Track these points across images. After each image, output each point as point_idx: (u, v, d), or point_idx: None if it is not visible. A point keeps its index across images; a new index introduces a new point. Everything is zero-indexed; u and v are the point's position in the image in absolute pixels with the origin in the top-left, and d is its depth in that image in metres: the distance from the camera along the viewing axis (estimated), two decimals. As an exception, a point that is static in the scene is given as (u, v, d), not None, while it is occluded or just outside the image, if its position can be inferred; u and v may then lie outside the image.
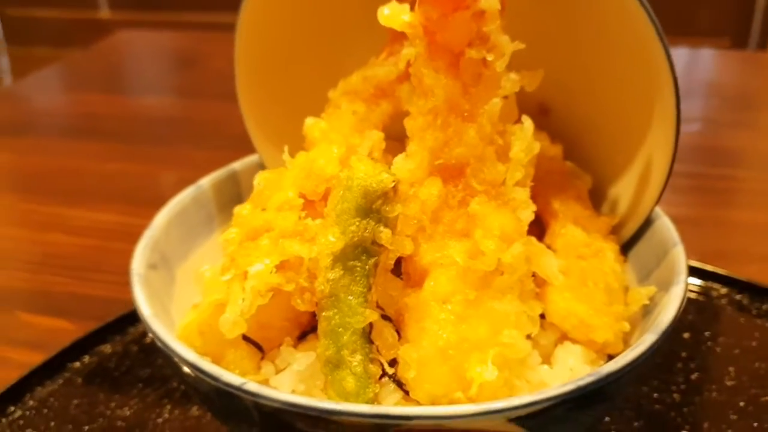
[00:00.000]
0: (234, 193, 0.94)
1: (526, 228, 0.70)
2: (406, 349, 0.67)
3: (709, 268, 1.12)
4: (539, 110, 0.88)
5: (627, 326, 0.73)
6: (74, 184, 1.64)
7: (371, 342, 0.68)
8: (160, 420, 0.96)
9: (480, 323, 0.67)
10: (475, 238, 0.69)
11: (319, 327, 0.69)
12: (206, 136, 1.88)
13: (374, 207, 0.68)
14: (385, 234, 0.68)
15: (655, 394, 0.94)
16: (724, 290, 1.10)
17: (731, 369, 0.97)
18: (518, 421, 0.60)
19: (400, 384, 0.68)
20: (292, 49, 0.91)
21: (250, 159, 0.98)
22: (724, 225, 1.34)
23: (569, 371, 0.71)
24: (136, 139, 1.89)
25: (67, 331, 1.15)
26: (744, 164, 1.61)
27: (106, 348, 1.08)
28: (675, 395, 0.94)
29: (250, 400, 0.62)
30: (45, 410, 0.97)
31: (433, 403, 0.66)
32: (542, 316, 0.74)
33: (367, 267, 0.68)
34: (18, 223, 1.51)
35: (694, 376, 0.96)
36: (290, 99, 0.93)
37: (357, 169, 0.68)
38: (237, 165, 0.97)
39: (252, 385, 0.61)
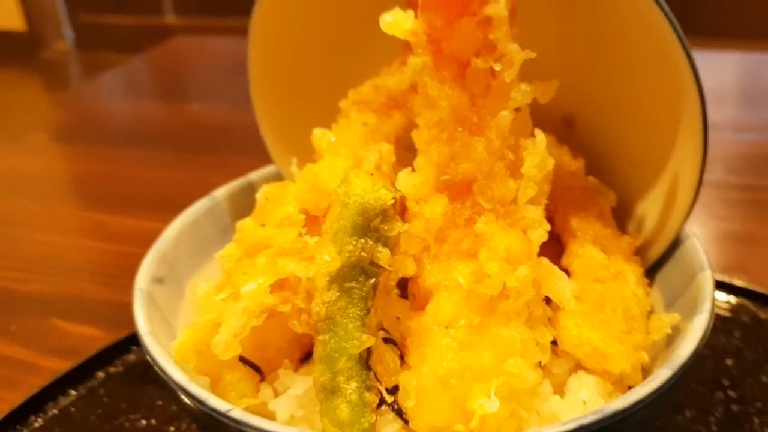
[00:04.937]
0: (250, 205, 0.91)
1: (537, 249, 0.66)
2: (405, 376, 0.64)
3: (758, 289, 1.04)
4: (564, 122, 0.84)
5: (646, 357, 0.68)
6: (119, 191, 1.66)
7: (369, 368, 0.65)
8: (178, 434, 0.95)
9: (484, 351, 0.63)
10: (480, 260, 0.65)
11: (314, 351, 0.66)
12: (256, 143, 1.88)
13: (372, 225, 0.65)
14: (383, 254, 0.65)
15: (692, 426, 0.88)
16: (774, 313, 1.02)
17: (778, 400, 0.90)
18: (514, 460, 0.56)
19: (400, 413, 0.65)
20: (308, 56, 0.89)
21: (268, 169, 0.96)
22: (780, 242, 1.25)
23: (582, 404, 0.66)
24: (185, 147, 1.90)
25: (98, 339, 1.15)
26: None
27: (131, 358, 1.08)
28: (713, 426, 0.87)
29: (235, 428, 0.59)
30: (65, 420, 0.97)
31: (433, 435, 0.62)
32: (557, 343, 0.69)
33: (365, 289, 0.65)
34: (59, 229, 1.54)
35: (735, 407, 0.90)
36: (306, 107, 0.90)
37: (354, 185, 0.65)
38: (253, 175, 0.95)
39: (237, 413, 0.59)
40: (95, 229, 1.52)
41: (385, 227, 0.65)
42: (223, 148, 1.87)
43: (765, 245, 1.25)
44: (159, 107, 2.19)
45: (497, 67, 0.65)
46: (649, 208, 0.78)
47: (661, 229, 0.76)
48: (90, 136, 2.01)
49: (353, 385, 0.64)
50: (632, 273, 0.73)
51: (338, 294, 0.65)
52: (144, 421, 0.97)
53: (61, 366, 1.05)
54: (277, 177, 0.94)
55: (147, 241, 1.45)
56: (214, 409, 0.60)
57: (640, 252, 0.77)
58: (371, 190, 0.65)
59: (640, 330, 0.69)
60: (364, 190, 0.65)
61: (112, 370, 1.06)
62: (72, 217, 1.63)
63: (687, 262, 0.73)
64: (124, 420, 0.98)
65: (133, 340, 1.09)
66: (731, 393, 0.91)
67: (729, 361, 0.96)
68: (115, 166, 1.80)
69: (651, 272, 0.78)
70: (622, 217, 0.80)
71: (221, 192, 0.92)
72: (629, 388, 0.69)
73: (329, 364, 0.64)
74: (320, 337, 0.65)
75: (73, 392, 1.02)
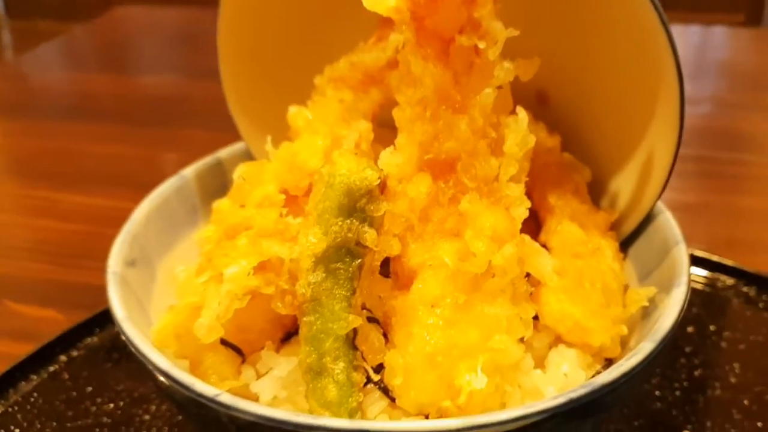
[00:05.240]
0: (219, 184, 0.90)
1: (519, 226, 0.67)
2: (392, 354, 0.64)
3: (715, 258, 1.08)
4: (537, 99, 0.84)
5: (625, 330, 0.70)
6: (68, 168, 1.61)
7: (355, 348, 0.65)
8: (147, 416, 0.93)
9: (469, 328, 0.64)
10: (465, 239, 0.65)
11: (300, 332, 0.65)
12: (208, 116, 1.81)
13: (358, 206, 0.64)
14: (370, 235, 0.64)
15: (657, 392, 0.91)
16: (730, 282, 1.06)
17: (736, 365, 0.94)
18: (507, 435, 0.57)
19: (386, 391, 0.65)
20: (279, 30, 0.87)
21: (237, 147, 0.94)
22: (732, 212, 1.29)
23: (563, 376, 0.67)
24: (134, 120, 1.84)
25: (55, 321, 1.12)
26: (755, 148, 1.55)
27: (94, 340, 1.05)
28: (677, 392, 0.91)
29: (225, 413, 0.58)
30: (28, 406, 0.95)
31: (420, 412, 0.63)
32: (537, 318, 0.70)
33: (350, 269, 0.65)
34: (8, 208, 1.48)
35: (697, 373, 0.93)
36: (278, 84, 0.89)
37: (339, 165, 0.64)
38: (223, 153, 0.93)
39: (226, 397, 0.58)
40: (43, 208, 1.46)
41: (371, 207, 0.65)
42: (174, 121, 1.82)
43: (716, 215, 1.29)
44: (104, 80, 2.12)
45: (481, 45, 0.65)
46: (623, 184, 0.80)
47: (635, 204, 0.78)
48: (32, 110, 1.94)
49: (340, 365, 0.64)
50: (609, 248, 0.74)
51: (324, 275, 0.64)
52: (111, 405, 0.95)
53: (17, 350, 1.02)
54: (247, 155, 0.92)
55: (100, 219, 1.41)
56: (201, 395, 0.59)
57: (613, 227, 0.79)
58: (356, 170, 0.64)
59: (617, 303, 0.71)
60: (349, 170, 0.64)
61: (74, 353, 1.03)
62: (16, 195, 1.56)
63: (661, 236, 0.75)
64: (90, 404, 0.95)
65: (95, 322, 1.06)
66: (694, 360, 0.94)
67: (690, 329, 0.99)
68: (61, 142, 1.73)
69: (624, 246, 0.79)
70: (596, 192, 0.81)
71: (190, 171, 0.90)
72: (607, 359, 0.71)
73: (316, 345, 0.64)
74: (306, 319, 0.65)
75: (34, 377, 0.99)
